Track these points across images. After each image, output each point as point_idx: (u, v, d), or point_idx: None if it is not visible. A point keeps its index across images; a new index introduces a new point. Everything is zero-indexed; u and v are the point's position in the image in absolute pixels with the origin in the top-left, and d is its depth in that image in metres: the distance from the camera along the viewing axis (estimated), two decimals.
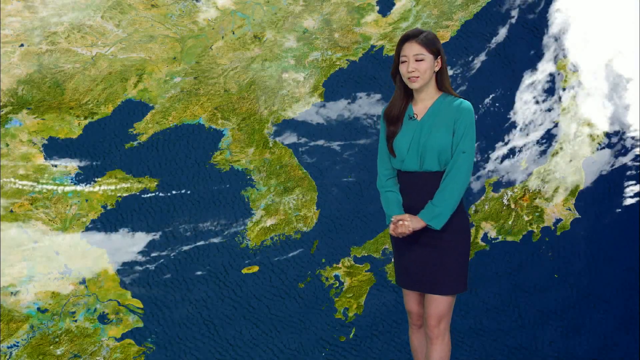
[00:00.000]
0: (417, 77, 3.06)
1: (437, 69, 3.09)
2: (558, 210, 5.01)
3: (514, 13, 5.00)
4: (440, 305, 3.08)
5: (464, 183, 3.00)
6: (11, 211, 4.08)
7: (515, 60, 4.98)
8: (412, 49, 3.06)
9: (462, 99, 3.07)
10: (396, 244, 3.20)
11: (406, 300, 3.27)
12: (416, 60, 3.05)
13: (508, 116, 5.00)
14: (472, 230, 4.85)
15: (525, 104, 5.01)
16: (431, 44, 3.05)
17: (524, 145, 5.01)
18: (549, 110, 5.04)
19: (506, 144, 4.99)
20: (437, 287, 3.07)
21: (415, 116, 3.12)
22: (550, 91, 5.05)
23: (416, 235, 3.07)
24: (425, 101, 3.12)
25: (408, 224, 3.01)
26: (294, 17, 4.59)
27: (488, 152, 4.96)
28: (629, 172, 5.14)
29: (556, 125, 5.04)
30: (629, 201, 5.11)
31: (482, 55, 4.93)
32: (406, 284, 3.18)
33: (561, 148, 5.04)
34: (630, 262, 5.03)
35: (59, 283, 4.13)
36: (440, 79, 3.11)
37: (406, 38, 3.08)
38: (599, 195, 5.08)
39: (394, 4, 4.74)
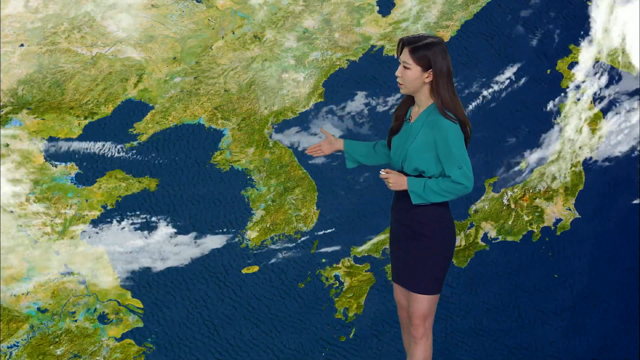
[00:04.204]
0: (401, 84, 3.04)
1: (427, 81, 3.01)
2: (558, 210, 5.01)
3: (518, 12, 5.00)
4: (421, 304, 3.08)
5: (457, 192, 2.97)
6: (11, 211, 4.08)
7: (515, 61, 4.98)
8: (403, 55, 3.02)
9: (441, 117, 2.98)
10: (390, 235, 3.24)
11: (395, 291, 3.31)
12: (404, 67, 3.01)
13: (508, 116, 5.00)
14: (472, 231, 4.85)
15: (526, 105, 5.02)
16: (421, 56, 2.97)
17: (524, 145, 5.01)
18: (550, 110, 5.04)
19: (506, 143, 4.99)
20: (411, 284, 3.09)
21: (409, 119, 3.13)
22: (551, 92, 5.05)
23: (402, 229, 3.10)
24: (420, 107, 3.10)
25: (391, 184, 3.03)
26: (294, 17, 4.59)
27: (488, 152, 4.96)
28: (630, 172, 5.14)
29: (557, 125, 5.04)
30: (629, 201, 5.11)
31: (483, 54, 4.93)
32: (392, 276, 3.23)
33: (562, 148, 5.04)
34: (630, 262, 5.03)
35: (58, 283, 4.13)
36: (435, 89, 3.00)
37: (400, 42, 3.04)
38: (599, 195, 5.08)
39: (394, 4, 4.74)
